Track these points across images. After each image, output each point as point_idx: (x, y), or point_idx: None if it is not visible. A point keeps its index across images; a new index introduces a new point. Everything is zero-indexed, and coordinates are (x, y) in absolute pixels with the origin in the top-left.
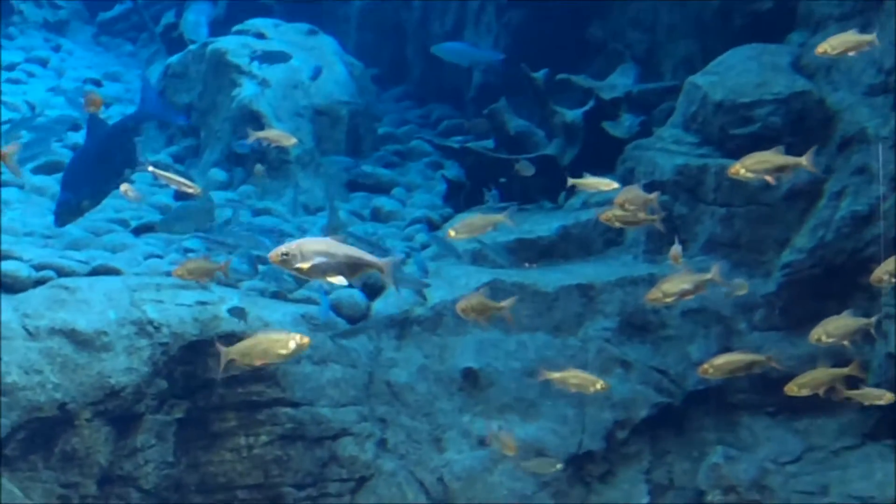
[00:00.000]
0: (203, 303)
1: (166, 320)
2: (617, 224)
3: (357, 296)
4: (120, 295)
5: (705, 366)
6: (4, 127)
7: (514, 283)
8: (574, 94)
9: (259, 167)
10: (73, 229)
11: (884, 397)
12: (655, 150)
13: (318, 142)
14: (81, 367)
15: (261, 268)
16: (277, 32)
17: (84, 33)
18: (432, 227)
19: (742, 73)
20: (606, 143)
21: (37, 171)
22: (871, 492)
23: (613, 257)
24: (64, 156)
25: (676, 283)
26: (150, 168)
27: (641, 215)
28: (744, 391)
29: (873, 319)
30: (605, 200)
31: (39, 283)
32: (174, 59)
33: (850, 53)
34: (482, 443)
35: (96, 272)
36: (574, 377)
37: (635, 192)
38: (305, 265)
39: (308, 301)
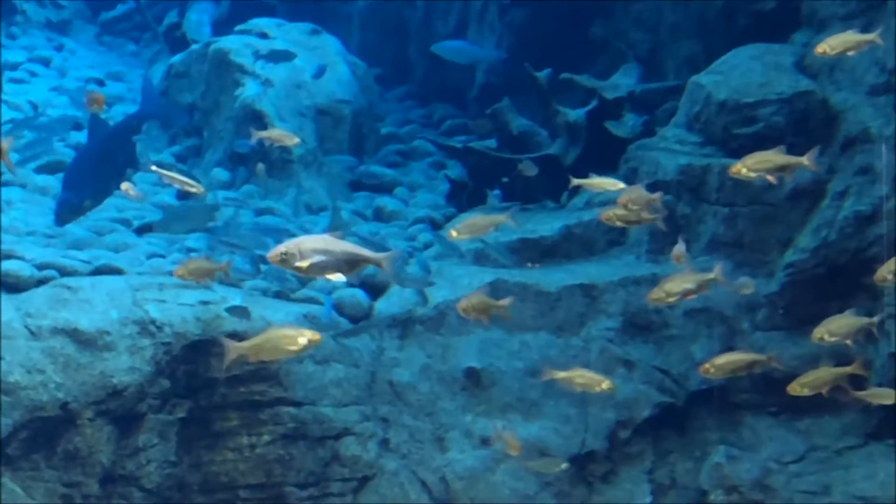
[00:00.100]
0: (206, 302)
1: (169, 320)
2: (618, 223)
3: (360, 295)
4: (122, 294)
5: (706, 365)
6: (6, 127)
7: (516, 282)
8: (577, 94)
9: (260, 166)
10: (76, 229)
11: (892, 396)
12: (658, 149)
13: (321, 141)
14: (84, 366)
15: (263, 267)
16: (280, 32)
17: (87, 33)
18: (435, 226)
19: (745, 72)
20: (609, 142)
21: (39, 170)
22: (873, 492)
23: (616, 257)
24: (66, 155)
25: (679, 282)
26: (153, 167)
27: (644, 214)
28: (746, 391)
29: (876, 319)
30: (609, 200)
31: (42, 282)
32: (177, 58)
33: (850, 53)
34: (485, 442)
35: (99, 272)
36: (580, 376)
37: (638, 191)
38: (304, 263)
39: (311, 301)
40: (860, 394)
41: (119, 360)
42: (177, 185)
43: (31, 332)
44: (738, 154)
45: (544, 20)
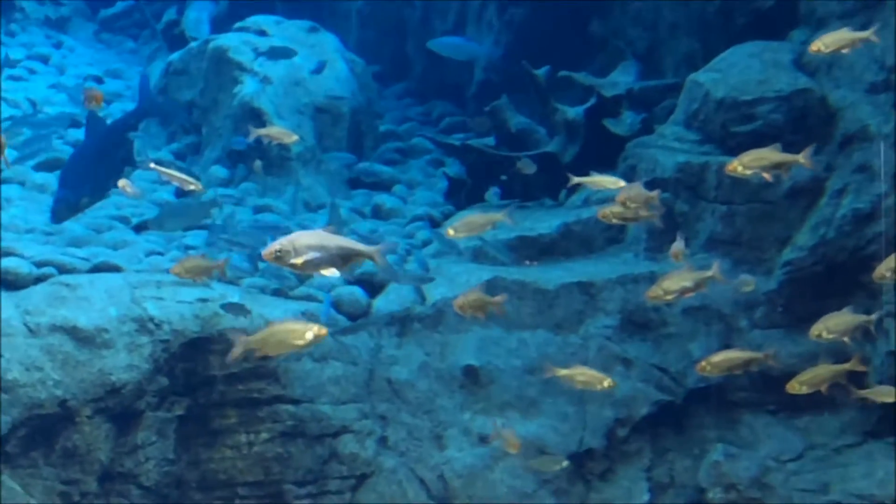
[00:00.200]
0: (204, 300)
1: (167, 317)
2: (614, 220)
3: (358, 293)
4: (121, 292)
5: (703, 363)
6: (5, 124)
7: (514, 280)
8: (575, 92)
9: (257, 163)
10: (75, 226)
11: (894, 394)
12: (657, 147)
13: (320, 139)
14: (82, 364)
15: (261, 265)
16: (279, 30)
17: (85, 30)
18: (433, 224)
19: (744, 70)
20: (608, 140)
21: (38, 167)
22: (872, 490)
23: (614, 255)
24: (65, 152)
25: (677, 280)
26: (152, 164)
27: (642, 212)
28: (745, 389)
29: (874, 316)
30: (607, 198)
31: (40, 279)
32: (175, 56)
33: (844, 51)
34: (483, 440)
35: (97, 269)
36: (581, 374)
37: (637, 189)
38: (299, 260)
39: (309, 298)
40: (863, 392)
41: (117, 357)
42: (175, 183)
43: (30, 330)
44: (737, 152)
45: (543, 18)
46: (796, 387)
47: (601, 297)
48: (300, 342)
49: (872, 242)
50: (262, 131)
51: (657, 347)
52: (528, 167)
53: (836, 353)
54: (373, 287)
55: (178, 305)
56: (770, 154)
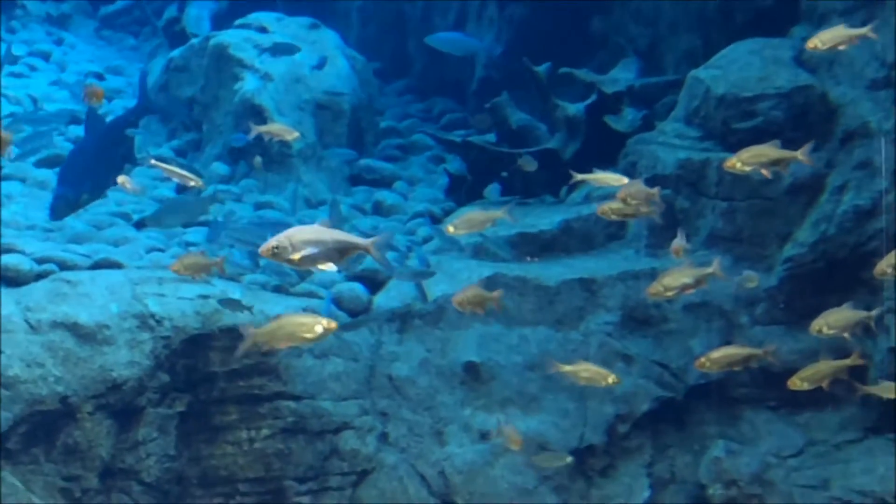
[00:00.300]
0: (205, 296)
1: (168, 314)
2: (613, 217)
3: (358, 289)
4: (122, 288)
5: (702, 359)
6: (6, 121)
7: (515, 276)
8: (576, 88)
9: (258, 159)
10: (75, 223)
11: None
12: (657, 144)
13: (320, 136)
14: (83, 360)
15: (262, 261)
16: (279, 26)
17: (86, 27)
18: (434, 221)
19: (744, 67)
20: (608, 137)
21: (39, 164)
22: (872, 486)
23: (615, 251)
24: (66, 149)
25: (677, 276)
26: (153, 161)
27: (642, 209)
28: (745, 385)
29: (874, 313)
30: (608, 195)
31: (41, 276)
32: (176, 53)
33: (841, 47)
34: (484, 437)
35: (98, 266)
36: (586, 370)
37: (638, 186)
38: (297, 256)
39: (310, 295)
40: (868, 388)
41: (118, 353)
42: (176, 179)
43: (31, 326)
44: (738, 149)
45: (543, 15)
46: (797, 383)
47: (602, 294)
48: (309, 335)
49: (873, 239)
50: (263, 128)
51: (658, 344)
52: (529, 164)
53: (837, 349)
54: (374, 283)
55: (180, 302)
56: (769, 151)
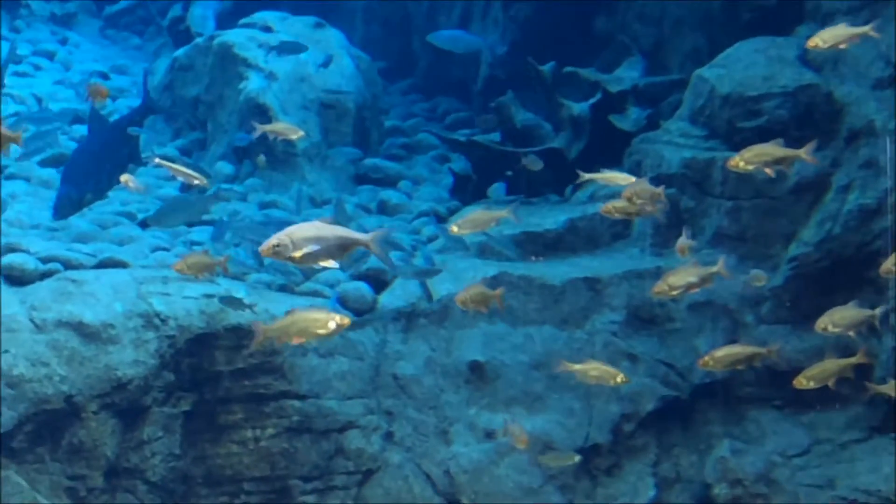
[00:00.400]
0: (210, 295)
1: (173, 313)
2: (616, 215)
3: (364, 289)
4: (127, 287)
5: (706, 358)
6: (11, 120)
7: (520, 276)
8: (581, 88)
9: (261, 158)
10: (80, 222)
11: None
12: (662, 143)
13: (325, 135)
14: (88, 359)
15: (266, 261)
16: (284, 25)
17: (91, 26)
18: (439, 220)
19: (749, 66)
20: (613, 136)
21: (43, 163)
22: (878, 485)
23: (620, 250)
24: (70, 149)
25: (682, 276)
26: (157, 160)
27: (649, 208)
28: (751, 384)
29: (878, 311)
30: (612, 194)
31: (46, 275)
32: (181, 52)
33: (842, 46)
34: (489, 436)
35: (103, 265)
36: (595, 369)
37: (643, 185)
38: (298, 254)
39: (315, 294)
40: (879, 388)
41: (123, 353)
42: (181, 178)
43: (36, 325)
44: (742, 147)
45: (548, 14)
46: (803, 382)
47: (607, 293)
48: (323, 331)
49: (878, 238)
50: (268, 127)
51: (663, 343)
52: (535, 164)
53: (843, 348)
54: (379, 283)
55: (184, 301)
56: (772, 149)
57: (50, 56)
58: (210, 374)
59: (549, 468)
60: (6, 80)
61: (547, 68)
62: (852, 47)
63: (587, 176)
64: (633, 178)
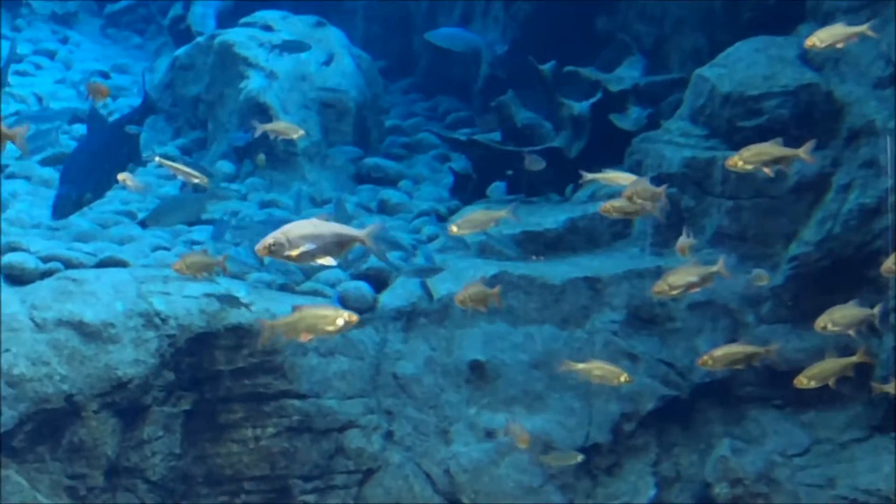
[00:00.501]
0: (210, 295)
1: (173, 312)
2: (614, 215)
3: (364, 288)
4: (127, 287)
5: (705, 357)
6: (12, 119)
7: (521, 275)
8: (581, 87)
9: (261, 156)
10: (81, 221)
11: None
12: (663, 142)
13: (326, 134)
14: (88, 358)
15: (267, 260)
16: (285, 24)
17: (91, 25)
18: (440, 219)
19: (750, 65)
20: (614, 135)
21: (44, 163)
22: (878, 484)
23: (621, 250)
24: (71, 148)
25: (682, 275)
26: (157, 158)
27: (648, 206)
28: (751, 384)
29: (876, 310)
30: (613, 194)
31: (46, 274)
32: (181, 51)
33: (839, 45)
34: (489, 435)
35: (103, 264)
36: (598, 368)
37: (644, 184)
38: (294, 252)
39: (315, 293)
40: (883, 387)
41: (124, 352)
42: (181, 177)
43: (36, 325)
44: (743, 147)
45: (549, 13)
46: (804, 381)
47: (607, 293)
48: (331, 328)
49: (879, 237)
50: (268, 126)
51: (663, 342)
52: (537, 164)
53: (843, 347)
54: (379, 282)
55: (185, 300)
56: (770, 149)
57: (51, 55)
58: (210, 373)
59: (550, 468)
60: (9, 79)
61: (547, 67)
62: (853, 46)
63: (590, 176)
64: (636, 178)
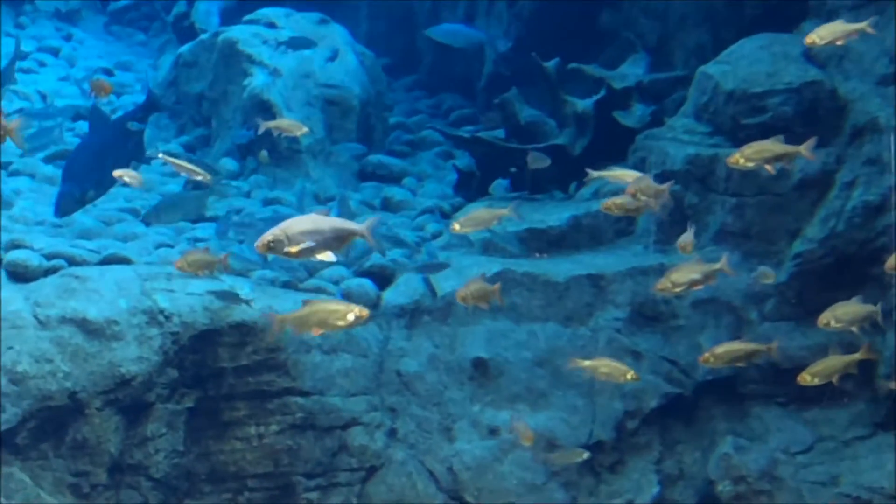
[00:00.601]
0: (213, 292)
1: (177, 309)
2: (616, 212)
3: (367, 285)
4: (130, 284)
5: (706, 354)
6: (14, 116)
7: (524, 272)
8: (585, 84)
9: (263, 153)
10: (84, 218)
11: None
12: (667, 139)
13: (329, 131)
14: (92, 355)
15: (271, 257)
16: (288, 22)
17: (95, 23)
18: (443, 216)
19: (754, 62)
20: (617, 132)
21: (48, 160)
22: (881, 482)
23: (624, 247)
24: (74, 145)
25: (685, 272)
26: (160, 155)
27: (652, 203)
28: (754, 381)
29: (878, 307)
30: (617, 191)
31: (50, 272)
32: (185, 48)
33: (839, 43)
34: (493, 433)
35: (107, 261)
36: (605, 366)
37: (647, 181)
38: (294, 248)
39: (319, 291)
40: (890, 383)
41: (127, 349)
42: (184, 174)
43: (40, 322)
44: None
45: (552, 10)
46: (807, 378)
47: (611, 290)
48: (342, 322)
49: (882, 234)
50: (272, 123)
51: (667, 340)
52: (541, 161)
53: (847, 344)
54: (382, 279)
55: (188, 297)
56: (772, 146)
57: (54, 52)
58: (214, 370)
59: (555, 465)
60: (16, 76)
61: (551, 65)
62: (857, 44)
63: (595, 173)
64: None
